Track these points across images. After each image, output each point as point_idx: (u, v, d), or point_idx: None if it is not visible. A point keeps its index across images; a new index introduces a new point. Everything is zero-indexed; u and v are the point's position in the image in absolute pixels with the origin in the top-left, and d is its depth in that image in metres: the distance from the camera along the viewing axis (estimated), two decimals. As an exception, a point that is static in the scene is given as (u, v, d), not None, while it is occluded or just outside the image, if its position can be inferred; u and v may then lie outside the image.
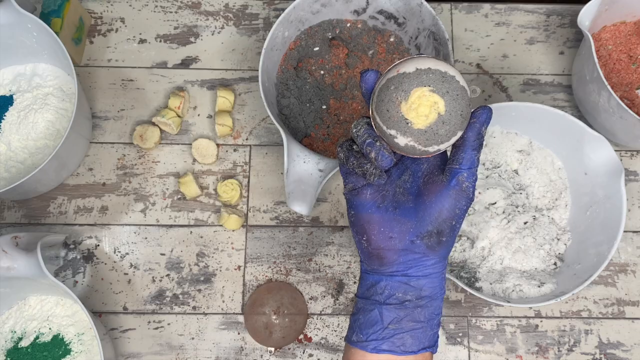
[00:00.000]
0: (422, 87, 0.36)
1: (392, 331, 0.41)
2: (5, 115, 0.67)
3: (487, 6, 0.76)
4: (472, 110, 0.39)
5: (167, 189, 0.68)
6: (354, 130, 0.40)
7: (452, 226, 0.40)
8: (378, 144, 0.38)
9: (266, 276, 0.66)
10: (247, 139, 0.70)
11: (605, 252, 0.59)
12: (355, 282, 0.66)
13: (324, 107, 0.67)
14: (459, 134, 0.38)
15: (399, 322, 0.41)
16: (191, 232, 0.67)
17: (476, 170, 0.40)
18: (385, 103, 0.37)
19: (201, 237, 0.67)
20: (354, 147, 0.41)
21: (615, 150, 0.62)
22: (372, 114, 0.39)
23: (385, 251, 0.41)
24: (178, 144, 0.70)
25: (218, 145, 0.69)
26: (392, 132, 0.37)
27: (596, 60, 0.61)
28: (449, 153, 0.41)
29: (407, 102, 0.36)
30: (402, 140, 0.37)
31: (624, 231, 0.67)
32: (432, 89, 0.36)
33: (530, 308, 0.66)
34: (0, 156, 0.66)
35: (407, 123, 0.36)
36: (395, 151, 0.39)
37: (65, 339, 0.62)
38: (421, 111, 0.36)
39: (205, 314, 0.65)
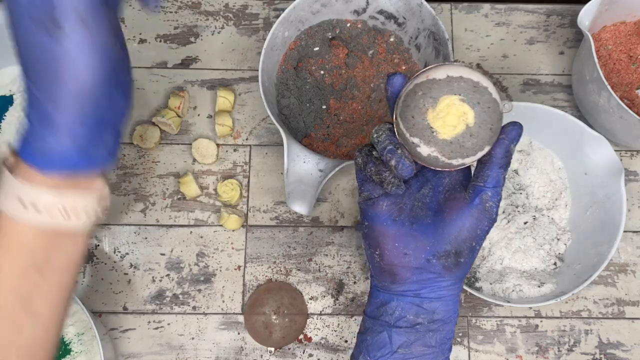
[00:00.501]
0: (452, 95, 0.35)
1: (401, 355, 0.39)
2: (5, 116, 0.67)
3: (487, 6, 0.76)
4: (502, 126, 0.37)
5: (167, 189, 0.68)
6: (375, 136, 0.38)
7: (472, 247, 0.38)
8: (399, 151, 0.37)
9: (266, 276, 0.66)
10: (247, 139, 0.70)
11: (605, 252, 0.59)
12: (355, 282, 0.66)
13: (324, 107, 0.67)
14: (487, 149, 0.36)
15: (409, 347, 0.39)
16: (191, 232, 0.67)
17: (501, 190, 0.38)
18: (410, 109, 0.35)
19: (201, 237, 0.67)
20: (374, 153, 0.39)
21: (615, 150, 0.62)
22: (396, 120, 0.37)
23: (398, 268, 0.39)
24: (178, 144, 0.70)
25: (218, 145, 0.69)
26: (416, 140, 0.36)
27: (596, 60, 0.61)
28: (473, 169, 0.40)
29: (434, 110, 0.35)
30: (425, 150, 0.36)
31: (624, 231, 0.67)
32: (462, 98, 0.34)
33: (530, 308, 0.66)
34: (0, 156, 0.66)
35: (432, 132, 0.35)
36: (416, 161, 0.38)
37: (65, 339, 0.62)
38: (448, 120, 0.35)
39: (205, 314, 0.65)
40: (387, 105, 0.67)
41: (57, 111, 0.31)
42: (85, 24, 0.30)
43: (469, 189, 0.38)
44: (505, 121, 0.38)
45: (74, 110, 0.31)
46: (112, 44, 0.31)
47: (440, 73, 0.35)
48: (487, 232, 0.38)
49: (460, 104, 0.35)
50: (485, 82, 0.35)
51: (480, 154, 0.36)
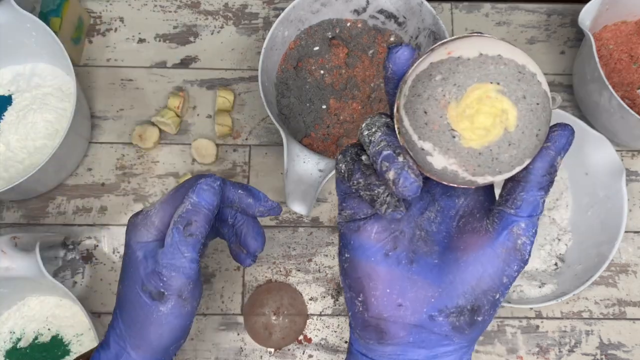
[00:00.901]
0: (488, 83, 0.24)
1: None
2: (4, 115, 0.67)
3: (487, 5, 0.76)
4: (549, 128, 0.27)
5: (167, 189, 0.68)
6: (366, 133, 0.27)
7: (495, 301, 0.28)
8: (401, 159, 0.26)
9: (266, 277, 0.66)
10: (246, 139, 0.70)
11: (606, 253, 0.59)
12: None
13: (324, 107, 0.67)
14: (526, 162, 0.26)
15: None
16: (191, 233, 0.67)
17: (538, 220, 0.27)
18: (422, 100, 0.25)
19: (201, 237, 0.67)
20: (363, 157, 0.28)
21: (616, 150, 0.62)
22: (397, 113, 0.26)
23: (388, 323, 0.28)
24: (177, 144, 0.70)
25: (217, 145, 0.69)
26: (427, 146, 0.25)
27: (597, 60, 0.61)
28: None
29: (458, 104, 0.24)
30: (439, 162, 0.25)
31: (625, 231, 0.67)
32: (501, 89, 0.24)
33: (531, 309, 0.65)
34: (-1, 156, 0.66)
35: (454, 137, 0.25)
36: (423, 174, 0.27)
37: (64, 340, 0.62)
38: (480, 121, 0.24)
39: (204, 314, 0.65)
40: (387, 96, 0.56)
41: (134, 350, 0.38)
42: (182, 298, 0.37)
43: (494, 216, 0.27)
44: None
45: (149, 354, 0.38)
46: (196, 307, 0.39)
47: (470, 49, 0.25)
48: (516, 277, 0.28)
49: (498, 97, 0.24)
50: (532, 65, 0.25)
51: (518, 169, 0.26)
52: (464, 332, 0.28)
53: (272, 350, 0.64)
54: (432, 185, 0.30)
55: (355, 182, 0.28)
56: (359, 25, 0.69)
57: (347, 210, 0.30)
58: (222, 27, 0.74)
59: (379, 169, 0.26)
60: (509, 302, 0.59)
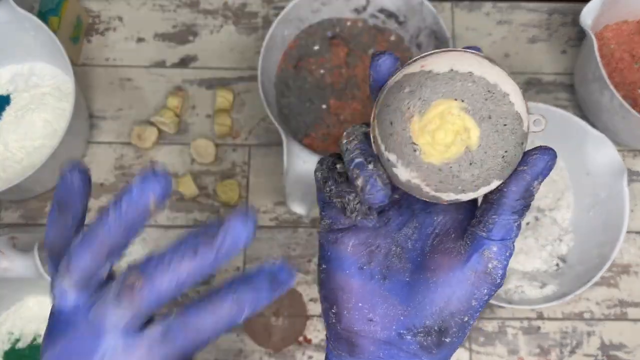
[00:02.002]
0: (452, 100, 0.24)
1: None
2: (2, 115, 0.66)
3: (488, 4, 0.75)
4: (526, 151, 0.26)
5: (166, 189, 0.68)
6: (344, 142, 0.27)
7: (463, 323, 0.27)
8: (371, 167, 0.26)
9: (265, 277, 0.65)
10: (246, 139, 0.70)
11: (607, 253, 0.58)
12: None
13: (324, 106, 0.67)
14: (495, 183, 0.25)
15: None
16: (190, 233, 0.67)
17: (513, 244, 0.26)
18: (390, 111, 0.25)
19: (200, 237, 0.66)
20: (338, 166, 0.28)
21: (618, 150, 0.61)
22: (373, 122, 0.27)
23: (359, 337, 0.28)
24: (176, 143, 0.69)
25: (217, 145, 0.69)
26: (392, 157, 0.25)
27: (599, 59, 0.61)
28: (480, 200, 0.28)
29: (422, 118, 0.24)
30: (403, 174, 0.25)
31: (627, 232, 0.67)
32: (465, 107, 0.24)
33: (532, 310, 0.65)
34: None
35: (415, 150, 0.24)
36: (395, 185, 0.26)
37: (62, 341, 0.61)
38: (440, 137, 0.24)
39: (204, 315, 0.64)
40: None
41: None
42: None
43: (467, 238, 0.27)
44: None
45: None
46: None
47: (443, 64, 0.24)
48: (487, 301, 0.27)
49: (461, 114, 0.24)
50: (507, 85, 0.25)
51: (484, 190, 0.25)
52: (431, 352, 0.27)
53: (272, 351, 0.63)
54: (412, 201, 0.29)
55: (328, 189, 0.28)
56: (359, 24, 0.69)
57: (325, 219, 0.30)
58: (221, 27, 0.74)
59: (350, 176, 0.26)
60: (510, 303, 0.59)
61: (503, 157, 0.24)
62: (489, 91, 0.24)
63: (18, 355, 0.61)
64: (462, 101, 0.24)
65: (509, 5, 0.76)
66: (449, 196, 0.25)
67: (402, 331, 0.27)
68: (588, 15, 0.63)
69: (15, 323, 0.62)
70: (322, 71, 0.68)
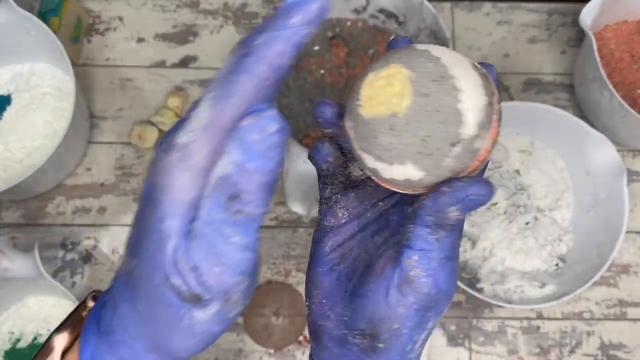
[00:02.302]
0: (404, 67, 0.24)
1: None
2: (2, 115, 0.66)
3: (488, 5, 0.75)
4: (462, 177, 0.25)
5: (166, 189, 0.68)
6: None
7: (395, 331, 0.27)
8: (329, 130, 0.27)
9: (266, 277, 0.65)
10: (246, 139, 0.70)
11: (607, 253, 0.58)
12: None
13: (324, 106, 0.67)
14: (409, 169, 0.25)
15: None
16: (190, 233, 0.67)
17: (440, 255, 0.25)
18: (360, 76, 0.26)
19: (200, 237, 0.66)
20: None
21: (618, 150, 0.61)
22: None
23: (321, 331, 0.30)
24: (177, 143, 0.69)
25: (217, 145, 0.69)
26: (347, 106, 0.26)
27: (598, 59, 0.61)
28: None
29: (376, 76, 0.25)
30: (347, 124, 0.26)
31: (626, 232, 0.67)
32: (411, 77, 0.24)
33: (532, 309, 0.65)
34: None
35: (357, 101, 0.25)
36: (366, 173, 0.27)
37: (63, 341, 0.61)
38: (377, 92, 0.25)
39: (204, 315, 0.64)
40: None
41: (146, 352, 0.25)
42: (228, 302, 0.25)
43: (397, 245, 0.27)
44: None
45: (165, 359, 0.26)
46: (246, 306, 0.28)
47: (417, 46, 0.26)
48: (421, 312, 0.26)
49: (404, 81, 0.24)
50: (464, 83, 0.24)
51: (397, 170, 0.25)
52: (369, 356, 0.28)
53: (272, 351, 0.63)
54: (391, 212, 0.30)
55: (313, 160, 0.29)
56: (359, 24, 0.69)
57: (318, 215, 0.31)
58: (221, 27, 0.74)
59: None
60: (510, 303, 0.59)
61: (423, 139, 0.24)
62: (442, 77, 0.24)
63: (19, 355, 0.61)
64: (412, 72, 0.24)
65: (509, 5, 0.76)
66: (367, 158, 0.25)
67: (346, 332, 0.28)
68: (588, 16, 0.63)
69: (16, 323, 0.62)
70: (322, 71, 0.68)
